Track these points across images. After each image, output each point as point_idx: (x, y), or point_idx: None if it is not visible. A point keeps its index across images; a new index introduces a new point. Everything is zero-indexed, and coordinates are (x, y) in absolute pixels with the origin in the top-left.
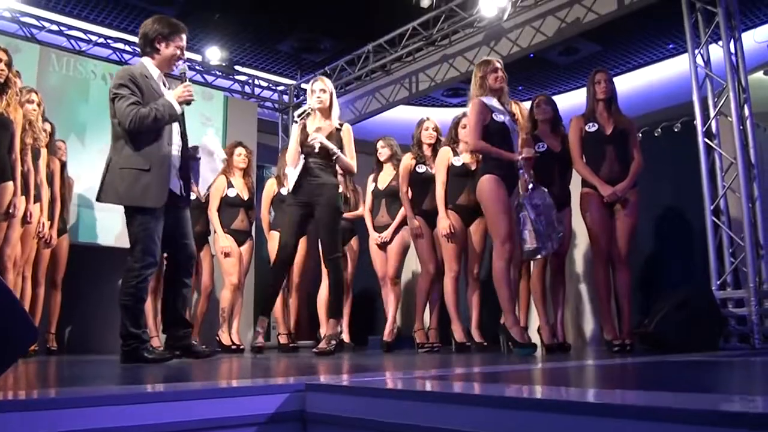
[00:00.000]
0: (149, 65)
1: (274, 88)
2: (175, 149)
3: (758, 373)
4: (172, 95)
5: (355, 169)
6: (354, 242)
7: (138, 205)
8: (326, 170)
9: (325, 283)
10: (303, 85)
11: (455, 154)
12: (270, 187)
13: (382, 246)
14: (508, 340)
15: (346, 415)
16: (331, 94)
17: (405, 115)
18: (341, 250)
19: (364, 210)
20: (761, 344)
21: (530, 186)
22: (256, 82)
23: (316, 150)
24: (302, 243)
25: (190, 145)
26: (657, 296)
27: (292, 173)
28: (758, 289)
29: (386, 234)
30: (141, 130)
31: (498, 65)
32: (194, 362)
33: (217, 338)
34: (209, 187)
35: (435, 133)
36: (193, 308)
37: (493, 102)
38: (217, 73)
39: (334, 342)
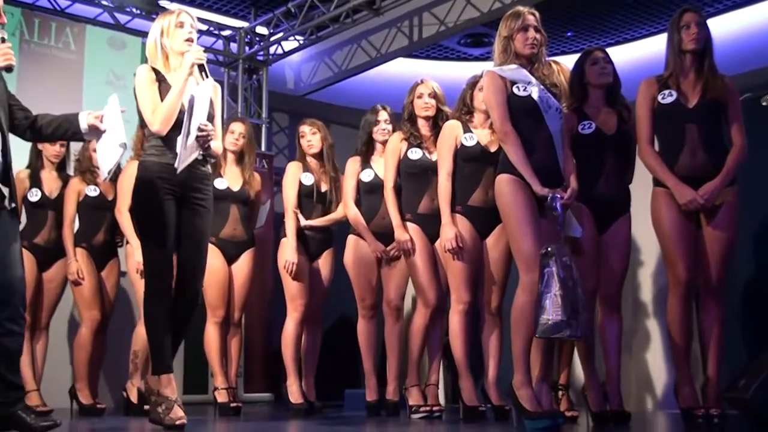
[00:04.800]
0: None
1: (217, 32)
2: None
3: None
4: None
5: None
6: (328, 257)
7: None
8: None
9: (294, 316)
10: (258, 29)
11: (468, 130)
12: None
13: (389, 260)
14: (516, 408)
15: None
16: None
17: (405, 71)
18: None
19: (346, 209)
20: None
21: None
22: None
23: None
24: (245, 259)
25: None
26: (760, 347)
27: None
28: None
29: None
30: None
31: (531, 20)
32: None
33: (124, 393)
34: (110, 170)
35: (434, 102)
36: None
37: (516, 71)
38: (133, 10)
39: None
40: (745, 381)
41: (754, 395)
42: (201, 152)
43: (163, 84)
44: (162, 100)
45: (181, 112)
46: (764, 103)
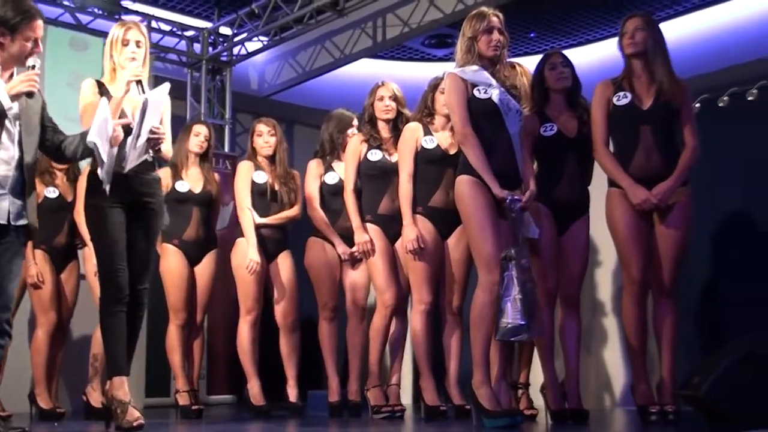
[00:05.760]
0: None
1: (180, 33)
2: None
3: None
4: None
5: None
6: (287, 259)
7: None
8: None
9: (248, 318)
10: (222, 30)
11: (428, 132)
12: (162, 180)
13: (354, 263)
14: (476, 407)
15: None
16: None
17: (369, 71)
18: None
19: (311, 211)
20: None
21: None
22: (154, 24)
23: None
24: (208, 260)
25: None
26: (713, 345)
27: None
28: None
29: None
30: None
31: (495, 21)
32: None
33: (84, 397)
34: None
35: (394, 104)
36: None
37: (477, 73)
38: (95, 11)
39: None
40: (698, 378)
41: (708, 392)
42: (151, 155)
43: (105, 97)
44: None
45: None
46: (720, 104)
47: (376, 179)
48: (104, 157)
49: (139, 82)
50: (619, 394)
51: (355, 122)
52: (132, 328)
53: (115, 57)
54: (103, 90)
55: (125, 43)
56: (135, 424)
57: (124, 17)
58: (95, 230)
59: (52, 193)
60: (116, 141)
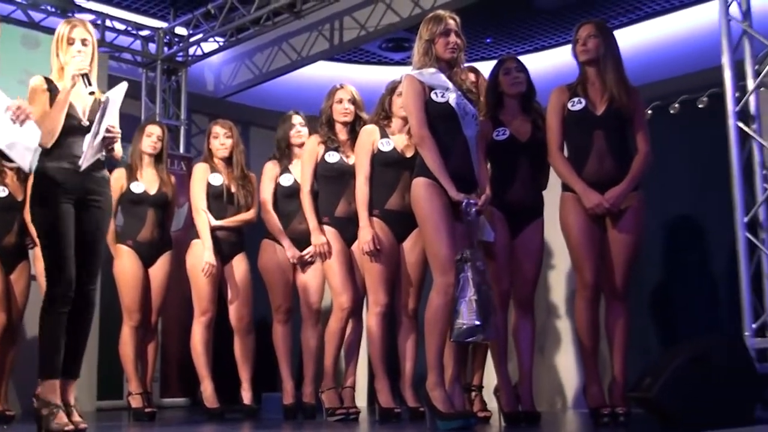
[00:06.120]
0: None
1: (135, 32)
2: None
3: None
4: None
5: None
6: (242, 261)
7: None
8: None
9: (201, 320)
10: (178, 30)
11: (384, 135)
12: (117, 181)
13: (305, 265)
14: (430, 409)
15: None
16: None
17: (326, 74)
18: None
19: (264, 213)
20: None
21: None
22: (109, 23)
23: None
24: (162, 262)
25: None
26: (664, 346)
27: None
28: None
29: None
30: None
31: (452, 24)
32: None
33: (34, 400)
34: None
35: (353, 108)
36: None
37: (435, 76)
38: (48, 8)
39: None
40: (649, 380)
41: (658, 394)
42: (104, 154)
43: (53, 93)
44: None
45: (74, 118)
46: (672, 111)
47: (333, 181)
48: (84, 147)
49: (84, 75)
50: (572, 397)
51: (295, 119)
52: (82, 329)
53: (62, 56)
54: (51, 86)
55: (71, 41)
56: (66, 429)
57: (76, 15)
58: (43, 224)
59: (1, 192)
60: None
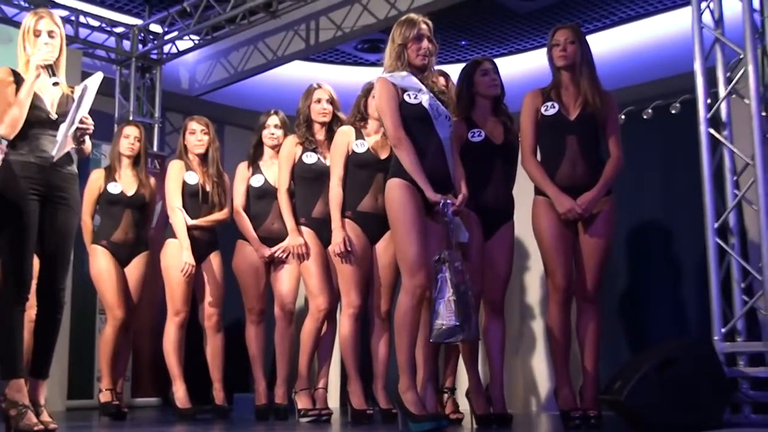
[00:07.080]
0: None
1: (109, 29)
2: None
3: None
4: None
5: None
6: (216, 260)
7: None
8: None
9: (175, 320)
10: (153, 27)
11: (360, 137)
12: (96, 182)
13: (278, 266)
14: (402, 411)
15: None
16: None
17: (301, 74)
18: None
19: (235, 214)
20: None
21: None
22: (83, 19)
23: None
24: (138, 262)
25: None
26: (635, 350)
27: None
28: None
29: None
30: None
31: (425, 29)
32: None
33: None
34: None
35: (331, 108)
36: None
37: (407, 79)
38: (21, 3)
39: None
40: (619, 383)
41: (628, 396)
42: (74, 145)
43: (19, 86)
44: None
45: (42, 110)
46: (645, 117)
47: (310, 182)
48: (58, 137)
49: (48, 66)
50: (545, 399)
51: (271, 120)
52: (51, 330)
53: (29, 48)
54: (18, 78)
55: (37, 33)
56: (35, 429)
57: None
58: (4, 224)
59: None
60: None
